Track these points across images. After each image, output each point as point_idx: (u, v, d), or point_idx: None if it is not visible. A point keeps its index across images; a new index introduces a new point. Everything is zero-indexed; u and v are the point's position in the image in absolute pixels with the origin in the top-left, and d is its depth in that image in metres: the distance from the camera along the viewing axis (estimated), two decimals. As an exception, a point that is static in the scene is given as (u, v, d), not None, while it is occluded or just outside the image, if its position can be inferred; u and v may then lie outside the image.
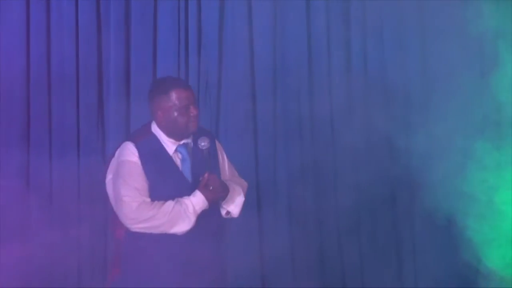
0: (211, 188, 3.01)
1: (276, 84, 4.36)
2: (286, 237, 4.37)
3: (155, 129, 3.03)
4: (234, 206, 3.13)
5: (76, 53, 4.06)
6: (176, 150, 3.00)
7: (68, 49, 4.08)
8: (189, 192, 2.97)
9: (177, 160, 3.01)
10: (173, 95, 3.00)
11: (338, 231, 4.43)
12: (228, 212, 3.12)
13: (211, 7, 4.25)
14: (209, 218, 3.02)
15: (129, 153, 2.98)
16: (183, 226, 2.98)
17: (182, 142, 3.03)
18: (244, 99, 4.30)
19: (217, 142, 3.25)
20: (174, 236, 2.97)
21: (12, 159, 4.00)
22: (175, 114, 3.00)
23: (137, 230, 2.95)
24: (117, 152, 3.02)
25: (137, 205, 2.96)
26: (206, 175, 2.99)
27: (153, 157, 2.99)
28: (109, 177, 3.02)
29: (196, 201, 3.00)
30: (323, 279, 4.40)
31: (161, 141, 3.03)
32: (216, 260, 3.10)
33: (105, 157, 3.98)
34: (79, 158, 4.07)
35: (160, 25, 4.16)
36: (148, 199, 3.00)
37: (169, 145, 3.01)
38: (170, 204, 2.99)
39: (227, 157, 3.27)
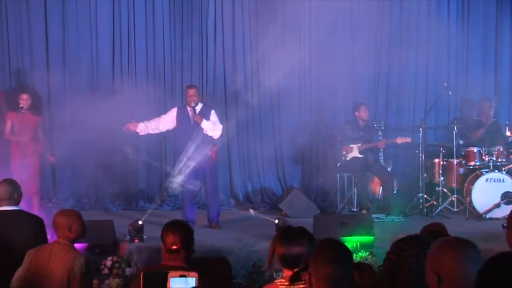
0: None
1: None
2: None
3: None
4: (205, 130, 7.75)
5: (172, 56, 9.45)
6: (191, 109, 7.90)
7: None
8: (191, 126, 7.83)
9: (190, 113, 7.89)
10: (187, 91, 7.98)
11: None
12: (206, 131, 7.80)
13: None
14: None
15: (174, 108, 8.09)
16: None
17: (193, 107, 7.87)
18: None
19: (213, 111, 7.91)
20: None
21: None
22: (186, 98, 7.97)
23: None
24: None
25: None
26: (197, 117, 7.73)
27: (181, 111, 7.95)
28: None
29: None
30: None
31: (186, 106, 7.95)
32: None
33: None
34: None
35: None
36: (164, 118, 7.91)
37: (188, 107, 7.94)
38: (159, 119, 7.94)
39: (217, 116, 7.91)
